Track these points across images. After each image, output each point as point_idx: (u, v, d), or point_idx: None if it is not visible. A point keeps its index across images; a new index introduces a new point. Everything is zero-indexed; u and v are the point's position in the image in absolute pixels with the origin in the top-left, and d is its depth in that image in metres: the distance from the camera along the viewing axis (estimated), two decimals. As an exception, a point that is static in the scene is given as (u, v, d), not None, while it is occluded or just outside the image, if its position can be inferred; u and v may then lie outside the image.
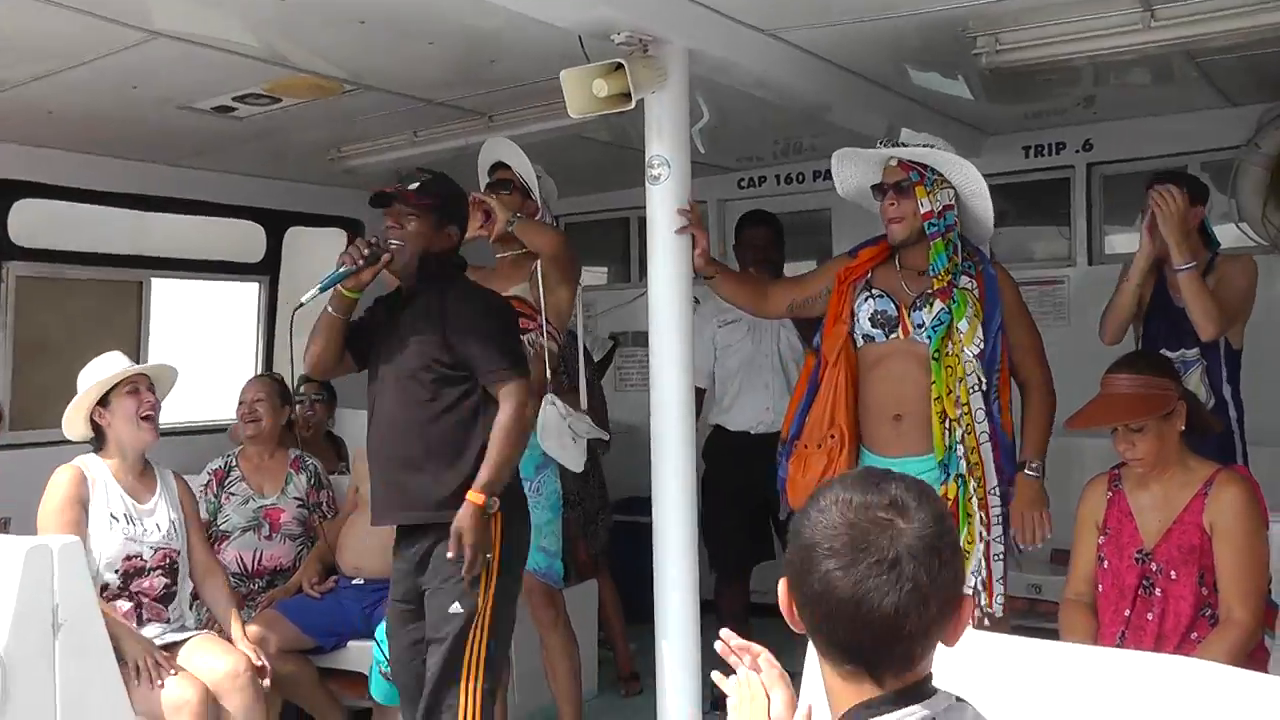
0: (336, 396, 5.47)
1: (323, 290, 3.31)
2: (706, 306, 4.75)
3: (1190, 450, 3.14)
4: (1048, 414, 3.51)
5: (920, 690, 1.47)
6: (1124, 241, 5.63)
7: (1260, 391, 4.12)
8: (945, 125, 5.04)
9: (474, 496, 3.14)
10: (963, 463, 3.29)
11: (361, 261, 3.27)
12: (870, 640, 1.43)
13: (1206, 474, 3.08)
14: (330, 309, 3.34)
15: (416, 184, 3.35)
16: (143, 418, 3.78)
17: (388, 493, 3.33)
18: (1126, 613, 3.10)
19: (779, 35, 3.78)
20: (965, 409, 3.30)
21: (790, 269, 5.21)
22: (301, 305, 3.38)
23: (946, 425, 3.31)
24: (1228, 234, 5.25)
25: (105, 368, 3.81)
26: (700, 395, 5.01)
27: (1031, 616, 4.41)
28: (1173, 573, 3.05)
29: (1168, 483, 3.11)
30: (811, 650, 1.56)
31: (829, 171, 6.14)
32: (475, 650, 3.20)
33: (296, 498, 4.59)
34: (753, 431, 4.76)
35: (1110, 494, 3.21)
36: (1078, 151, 5.57)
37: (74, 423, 3.81)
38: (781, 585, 1.55)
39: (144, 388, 3.82)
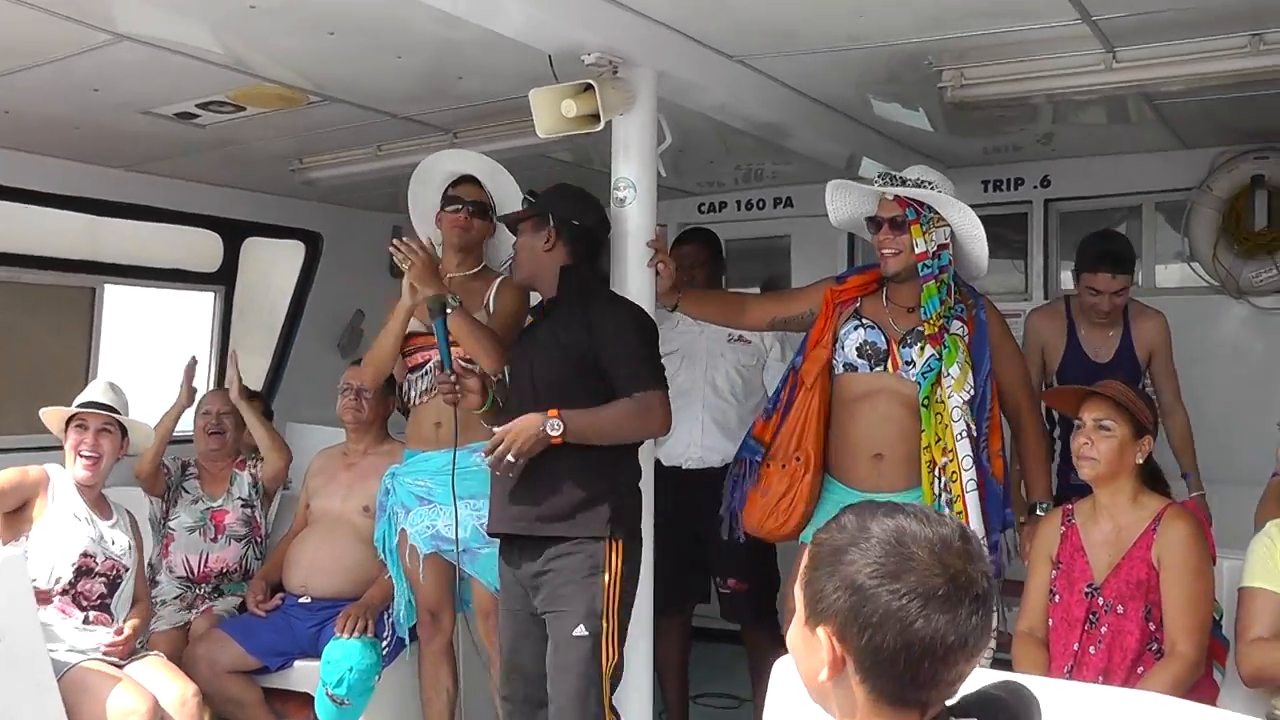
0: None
1: (446, 351, 3.36)
2: None
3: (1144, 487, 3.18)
4: (1045, 453, 3.54)
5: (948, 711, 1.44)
6: (1080, 278, 5.72)
7: (1202, 431, 4.20)
8: (906, 156, 5.09)
9: (551, 413, 3.08)
10: (948, 510, 3.22)
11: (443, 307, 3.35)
12: (950, 677, 1.38)
13: (1156, 509, 3.12)
14: (493, 428, 3.26)
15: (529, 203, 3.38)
16: (82, 455, 3.82)
17: (515, 503, 3.24)
18: (1074, 646, 3.12)
19: (746, 62, 3.80)
20: (952, 456, 3.24)
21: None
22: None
23: (935, 473, 3.26)
24: (1180, 273, 5.38)
25: (85, 394, 3.93)
26: None
27: (981, 647, 4.42)
28: (1120, 607, 3.08)
29: (1119, 517, 3.15)
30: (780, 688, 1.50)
31: (790, 199, 6.23)
32: (604, 674, 3.14)
33: (240, 498, 4.59)
34: (684, 466, 4.56)
35: (1064, 529, 3.23)
36: (1035, 187, 5.64)
37: (50, 421, 3.90)
38: (828, 639, 1.41)
39: (93, 428, 3.84)
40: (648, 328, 3.31)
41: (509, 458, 3.08)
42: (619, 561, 3.18)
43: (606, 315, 3.25)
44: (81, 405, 3.89)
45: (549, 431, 3.08)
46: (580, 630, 3.11)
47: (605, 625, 3.14)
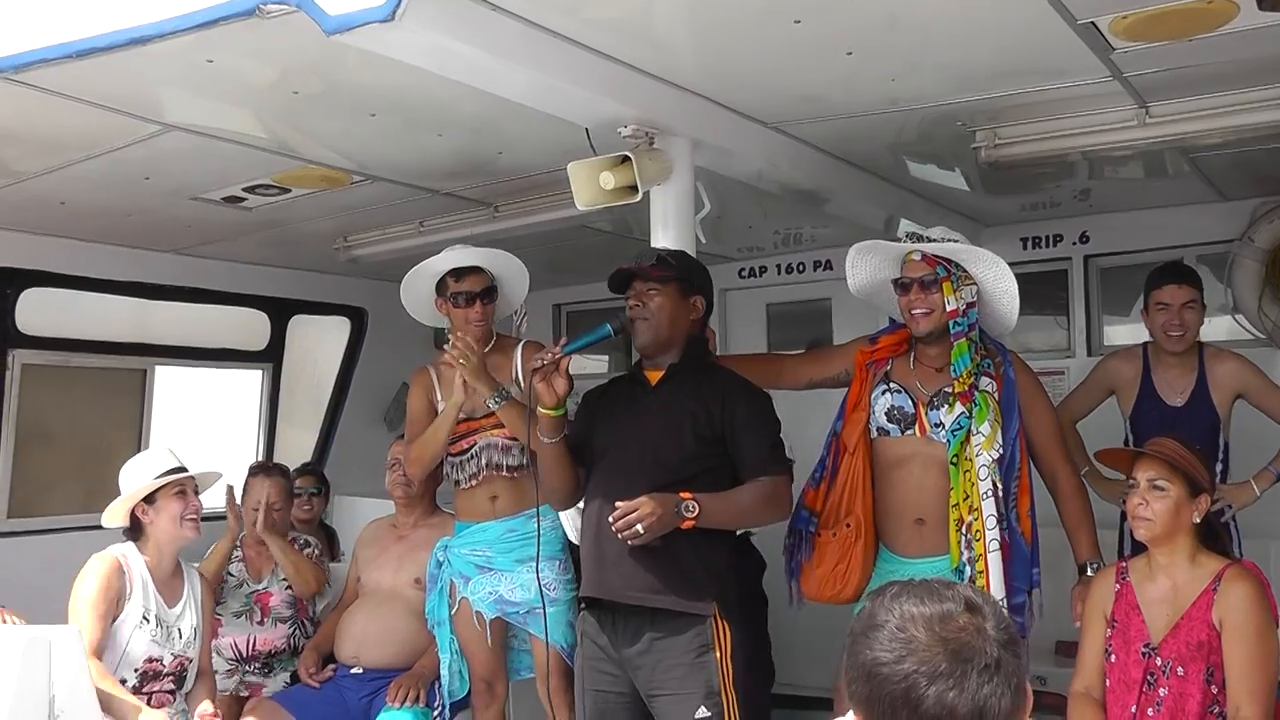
0: (330, 489, 5.46)
1: (581, 347, 3.23)
2: None
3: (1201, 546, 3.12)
4: (1087, 510, 3.46)
5: None
6: (1123, 333, 5.66)
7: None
8: (944, 216, 5.10)
9: (684, 495, 2.99)
10: (970, 569, 3.20)
11: (622, 327, 3.23)
12: None
13: (1216, 569, 3.05)
14: (546, 439, 3.17)
15: (653, 259, 3.24)
16: (187, 519, 3.81)
17: (616, 570, 3.10)
18: (1132, 709, 3.05)
19: (781, 128, 3.85)
20: (977, 514, 3.21)
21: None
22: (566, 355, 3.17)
23: (962, 531, 3.23)
24: (1225, 326, 5.32)
25: (155, 466, 3.83)
26: None
27: (1036, 710, 4.34)
28: (1180, 669, 3.01)
29: (1176, 576, 3.08)
30: None
31: (829, 261, 6.23)
32: None
33: (284, 579, 4.57)
34: None
35: (1118, 586, 3.17)
36: (1074, 244, 5.62)
37: (115, 516, 3.83)
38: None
39: (191, 491, 3.85)
40: (773, 411, 3.26)
41: (639, 528, 2.95)
42: (728, 641, 3.09)
43: (740, 392, 3.21)
44: (163, 475, 3.80)
45: (684, 514, 2.99)
46: (702, 711, 3.02)
47: (725, 703, 3.04)
